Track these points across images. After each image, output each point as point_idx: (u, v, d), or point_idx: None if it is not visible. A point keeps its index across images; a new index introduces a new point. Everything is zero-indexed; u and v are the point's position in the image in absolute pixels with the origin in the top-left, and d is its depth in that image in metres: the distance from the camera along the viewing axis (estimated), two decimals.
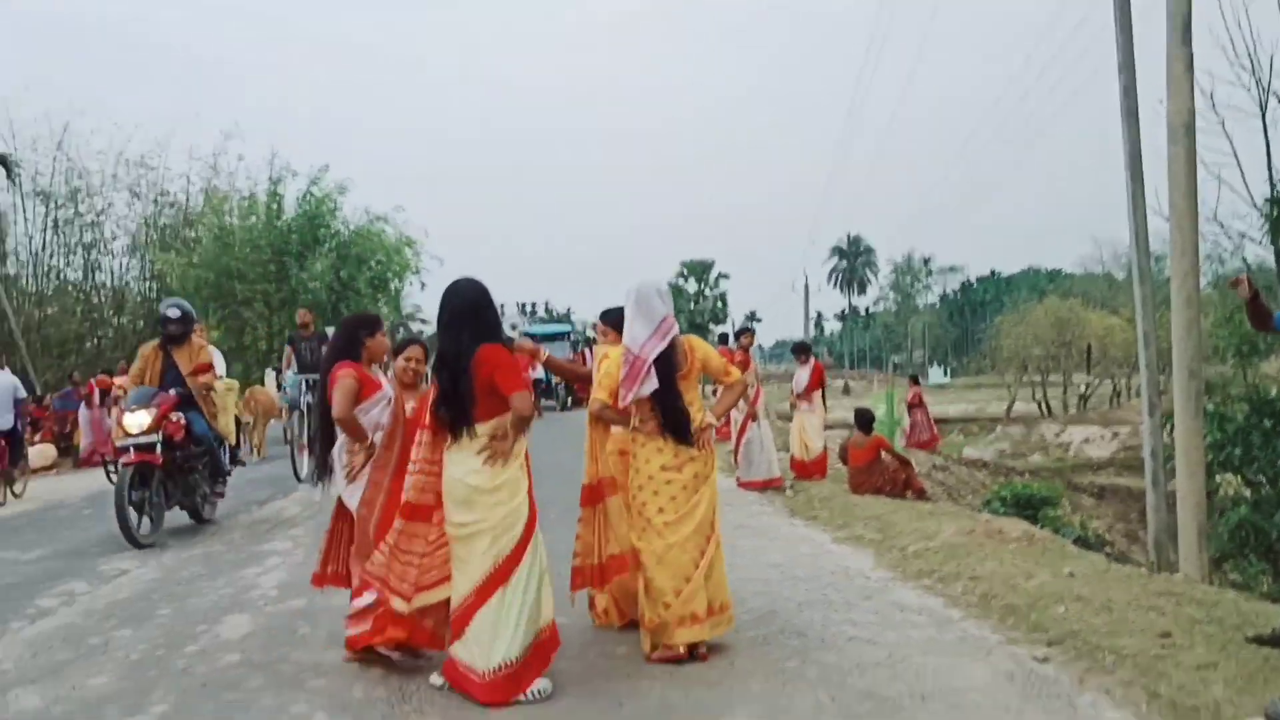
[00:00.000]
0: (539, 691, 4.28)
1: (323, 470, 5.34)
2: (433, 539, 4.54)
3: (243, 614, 6.00)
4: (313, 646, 5.24)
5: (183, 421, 8.74)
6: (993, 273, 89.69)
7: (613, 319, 5.55)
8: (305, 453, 12.10)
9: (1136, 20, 11.11)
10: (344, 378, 5.04)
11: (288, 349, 14.16)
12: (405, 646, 4.75)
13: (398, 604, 4.51)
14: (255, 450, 15.89)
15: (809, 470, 11.63)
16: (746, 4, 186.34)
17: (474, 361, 4.36)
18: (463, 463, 4.37)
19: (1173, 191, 9.22)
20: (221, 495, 9.69)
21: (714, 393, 8.60)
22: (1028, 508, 14.33)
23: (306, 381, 13.05)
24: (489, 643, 4.24)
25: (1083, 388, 45.32)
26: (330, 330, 13.48)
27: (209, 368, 9.10)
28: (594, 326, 5.87)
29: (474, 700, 4.23)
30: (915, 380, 23.12)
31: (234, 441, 9.96)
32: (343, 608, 5.19)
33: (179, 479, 8.90)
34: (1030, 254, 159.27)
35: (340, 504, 5.18)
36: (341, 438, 5.11)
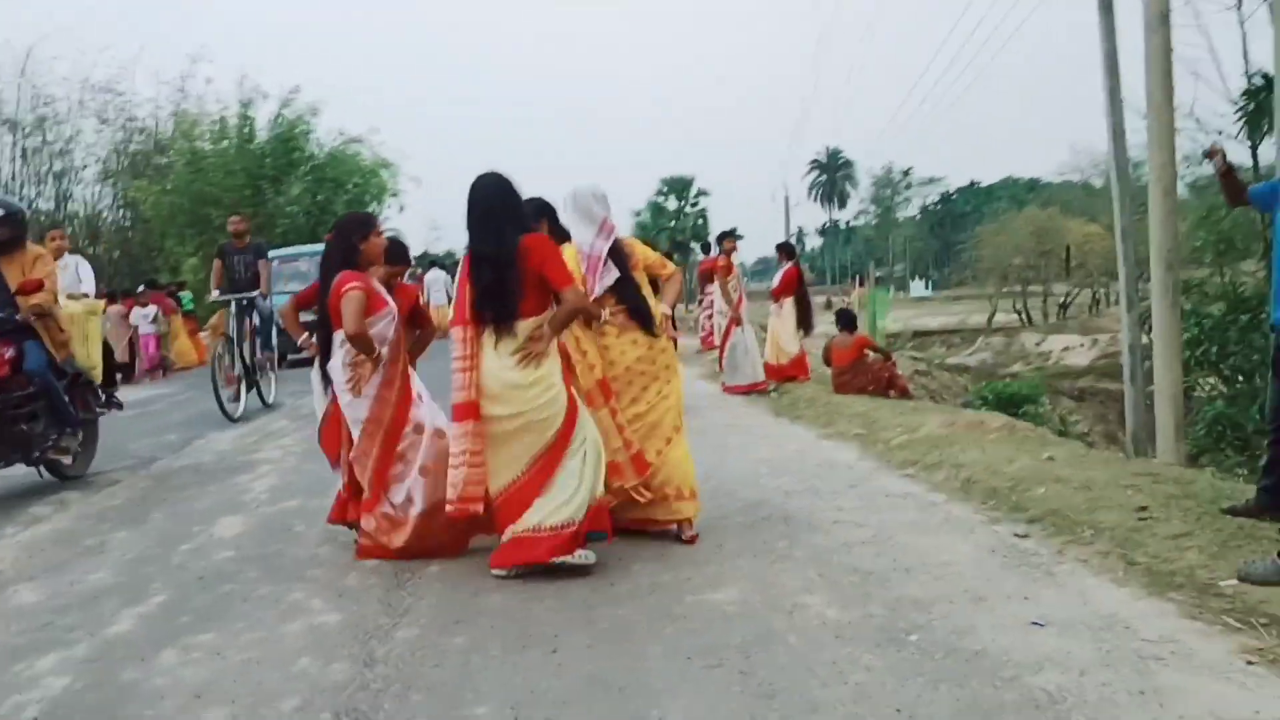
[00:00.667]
0: (584, 555, 4.43)
1: (325, 383, 5.15)
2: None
3: (236, 515, 6.07)
4: (307, 542, 5.32)
5: (8, 355, 6.76)
6: (972, 183, 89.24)
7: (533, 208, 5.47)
8: (235, 387, 10.91)
9: None
10: (352, 291, 4.75)
11: (215, 264, 11.70)
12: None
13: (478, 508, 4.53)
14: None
15: (785, 373, 11.69)
16: None
17: (519, 252, 4.32)
18: (499, 358, 4.37)
19: (1150, 82, 9.20)
20: (67, 450, 7.29)
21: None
22: (1009, 406, 14.51)
23: (239, 303, 11.27)
24: (540, 516, 4.37)
25: (1063, 297, 45.59)
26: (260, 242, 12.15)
27: (40, 284, 6.84)
28: None
29: (539, 561, 4.34)
30: (858, 280, 23.33)
31: (102, 379, 7.82)
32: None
33: (3, 429, 6.82)
34: (1009, 163, 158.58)
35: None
36: (341, 352, 4.91)
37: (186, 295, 21.52)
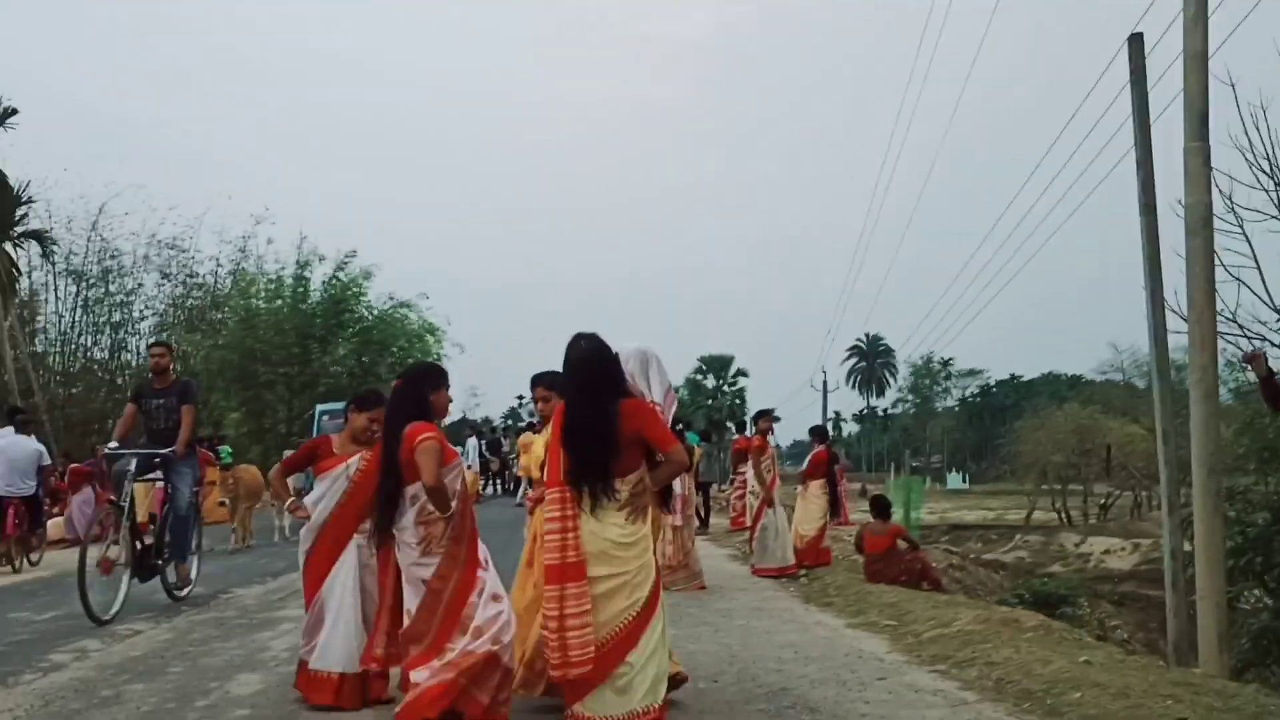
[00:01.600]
0: None
1: (383, 538, 4.79)
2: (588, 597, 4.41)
3: (254, 673, 6.01)
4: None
5: None
6: (1013, 377, 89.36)
7: (548, 380, 5.50)
8: (114, 574, 7.97)
9: (1155, 119, 11.42)
10: (429, 441, 4.53)
11: (128, 409, 9.01)
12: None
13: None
14: (241, 538, 14.95)
15: (801, 558, 11.48)
16: (770, 100, 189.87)
17: (620, 417, 4.35)
18: (602, 518, 4.34)
19: (1191, 286, 9.30)
20: None
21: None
22: (1045, 606, 14.14)
23: (145, 461, 8.55)
24: (618, 697, 4.23)
25: (1104, 498, 44.90)
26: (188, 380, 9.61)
27: None
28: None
29: None
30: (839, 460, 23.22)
31: None
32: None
33: None
34: (1050, 359, 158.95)
35: (394, 578, 4.83)
36: (413, 510, 4.61)
37: (226, 449, 21.75)
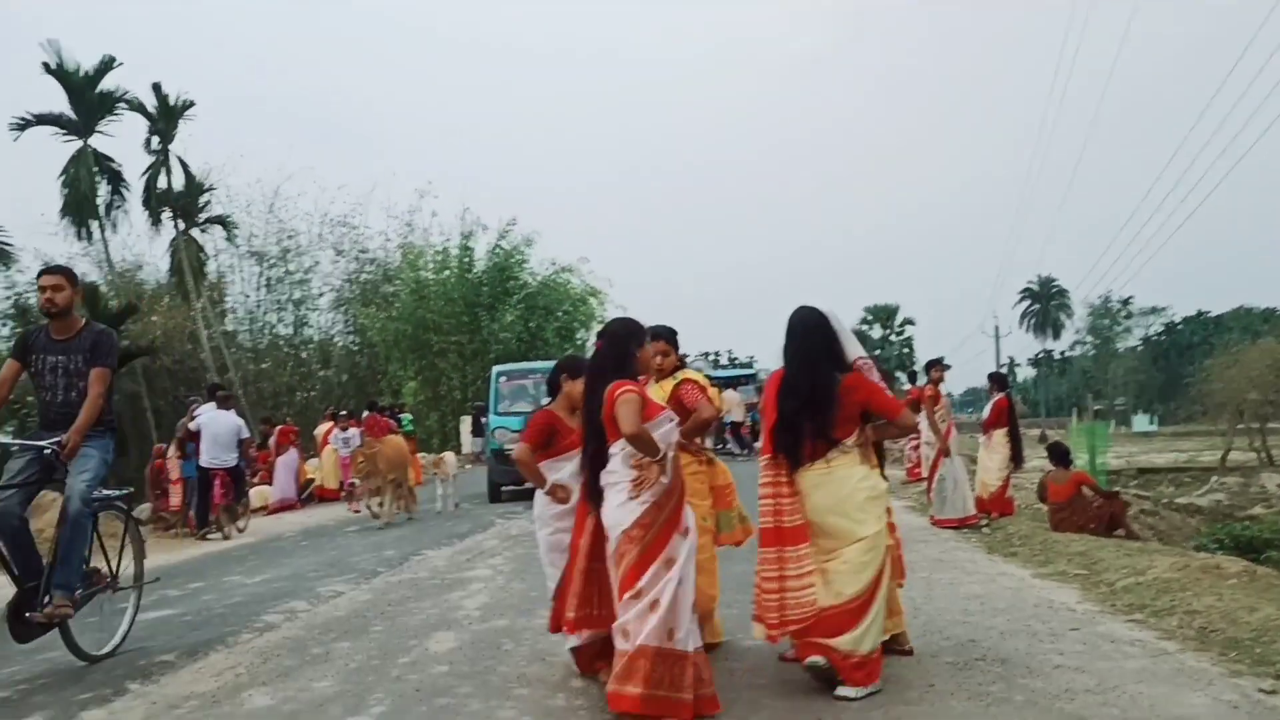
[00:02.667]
0: (858, 691, 4.46)
1: (594, 497, 4.60)
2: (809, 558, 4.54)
3: (449, 631, 6.28)
4: (516, 660, 5.43)
5: None
6: (1199, 313, 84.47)
7: (667, 334, 5.49)
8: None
9: None
10: (628, 393, 4.43)
11: (9, 367, 5.70)
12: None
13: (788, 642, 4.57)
14: (392, 510, 13.31)
15: (986, 508, 11.19)
16: (928, 39, 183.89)
17: (841, 390, 4.50)
18: (846, 477, 4.51)
19: None
20: None
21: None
22: (1248, 551, 13.35)
23: (32, 456, 5.45)
24: (860, 639, 4.44)
25: None
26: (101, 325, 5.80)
27: None
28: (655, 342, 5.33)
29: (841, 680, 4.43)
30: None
31: None
32: (541, 627, 5.58)
33: None
34: (1241, 292, 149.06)
35: (591, 540, 4.71)
36: (622, 454, 4.49)
37: (406, 417, 22.54)
